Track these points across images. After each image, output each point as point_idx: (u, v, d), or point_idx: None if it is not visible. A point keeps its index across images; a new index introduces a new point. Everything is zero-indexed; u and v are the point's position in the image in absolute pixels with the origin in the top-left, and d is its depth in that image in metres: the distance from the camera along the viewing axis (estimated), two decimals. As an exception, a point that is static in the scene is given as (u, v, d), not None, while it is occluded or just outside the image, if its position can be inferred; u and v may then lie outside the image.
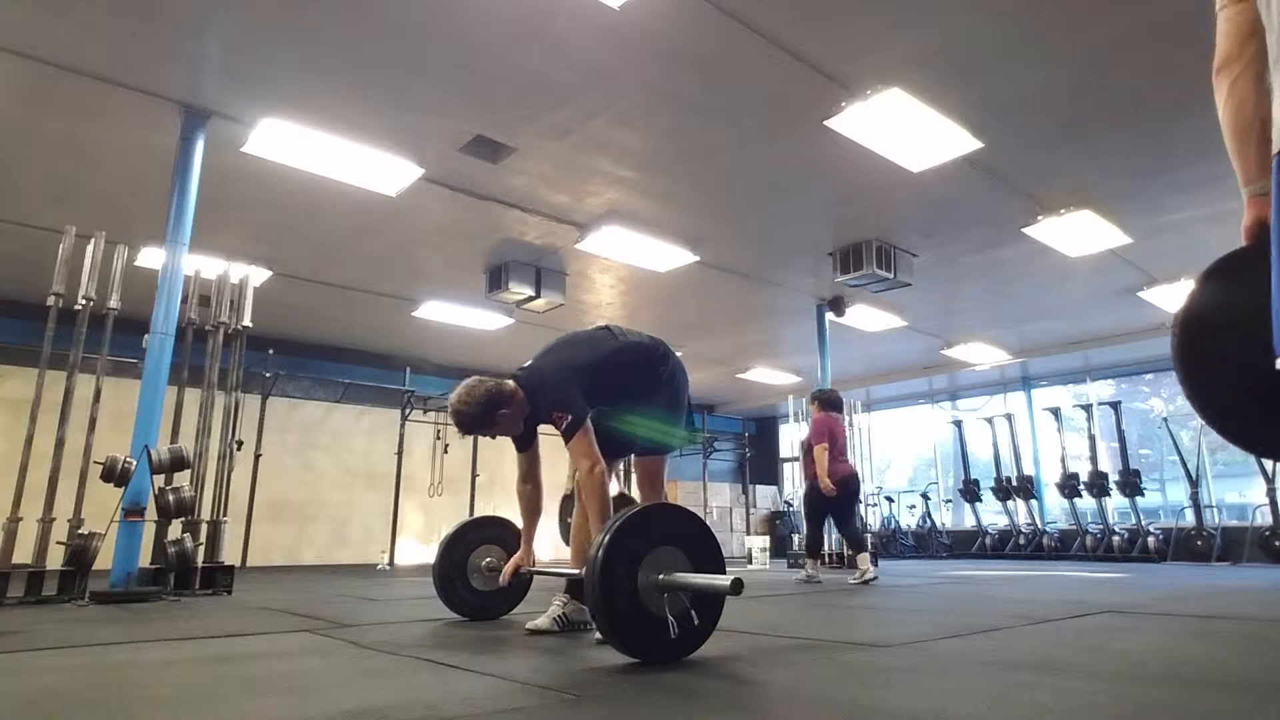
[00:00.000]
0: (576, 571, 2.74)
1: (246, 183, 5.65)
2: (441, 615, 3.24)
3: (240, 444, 5.25)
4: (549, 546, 10.53)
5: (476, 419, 2.60)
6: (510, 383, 2.68)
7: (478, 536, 3.23)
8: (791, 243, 7.17)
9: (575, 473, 2.82)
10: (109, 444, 4.33)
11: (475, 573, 3.19)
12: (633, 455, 2.97)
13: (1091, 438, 10.14)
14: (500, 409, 2.61)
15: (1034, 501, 10.89)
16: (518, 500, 2.95)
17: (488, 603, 3.19)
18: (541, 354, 2.77)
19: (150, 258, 6.25)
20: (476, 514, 7.43)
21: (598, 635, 2.52)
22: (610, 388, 2.70)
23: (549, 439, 2.89)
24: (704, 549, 2.23)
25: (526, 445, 2.90)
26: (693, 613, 2.14)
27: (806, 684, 1.85)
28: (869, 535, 9.39)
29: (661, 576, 2.12)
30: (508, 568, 2.91)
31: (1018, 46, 4.28)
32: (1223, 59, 1.24)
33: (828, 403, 6.10)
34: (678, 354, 2.96)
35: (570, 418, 2.55)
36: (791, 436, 10.00)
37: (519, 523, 3.04)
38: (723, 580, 2.06)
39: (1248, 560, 8.67)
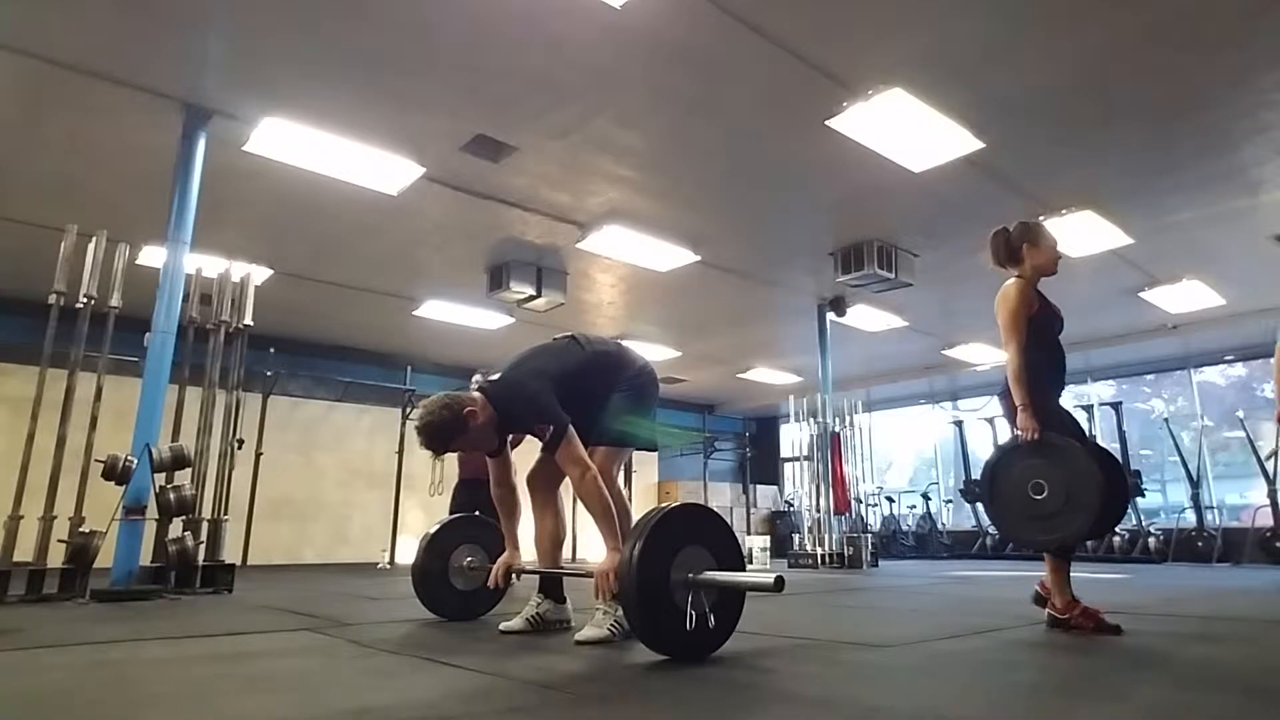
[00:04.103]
0: (580, 571, 2.74)
1: (248, 181, 5.64)
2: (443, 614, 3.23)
3: (241, 443, 5.25)
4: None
5: (446, 424, 2.54)
6: (475, 393, 2.67)
7: (458, 536, 3.19)
8: (792, 242, 7.17)
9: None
10: (110, 442, 4.33)
11: (456, 572, 3.14)
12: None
13: (1092, 438, 10.14)
14: (467, 407, 2.57)
15: (1034, 502, 10.85)
16: (495, 505, 2.94)
17: (469, 602, 3.15)
18: (511, 366, 2.75)
19: (151, 256, 6.25)
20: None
21: (577, 637, 2.50)
22: (581, 396, 2.69)
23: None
24: (727, 548, 2.26)
25: (498, 452, 2.88)
26: (716, 612, 2.15)
27: (806, 684, 1.86)
28: (870, 535, 9.33)
29: (695, 575, 2.14)
30: (499, 571, 2.88)
31: (1018, 46, 4.28)
32: None
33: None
34: (645, 360, 2.95)
35: (553, 429, 2.56)
36: (792, 436, 9.95)
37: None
38: (765, 578, 2.07)
39: (1248, 561, 8.66)
